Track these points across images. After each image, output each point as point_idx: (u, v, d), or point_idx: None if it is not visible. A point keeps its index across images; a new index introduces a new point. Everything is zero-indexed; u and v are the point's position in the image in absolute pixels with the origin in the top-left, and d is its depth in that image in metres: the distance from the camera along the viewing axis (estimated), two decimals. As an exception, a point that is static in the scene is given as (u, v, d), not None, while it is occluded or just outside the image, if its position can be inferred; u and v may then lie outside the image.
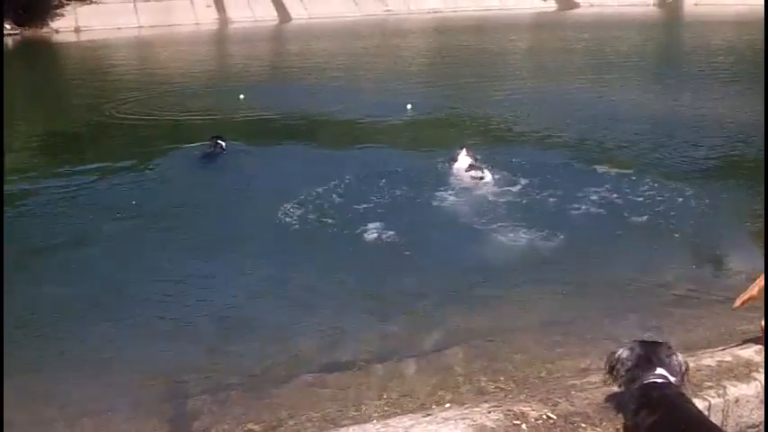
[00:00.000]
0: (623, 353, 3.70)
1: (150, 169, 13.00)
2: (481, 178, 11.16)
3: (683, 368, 3.67)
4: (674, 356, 3.69)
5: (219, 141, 13.43)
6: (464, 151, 11.70)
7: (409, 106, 16.71)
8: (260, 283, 8.14)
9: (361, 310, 7.42)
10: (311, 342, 6.79)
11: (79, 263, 8.81)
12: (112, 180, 12.38)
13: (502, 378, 5.81)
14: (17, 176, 12.17)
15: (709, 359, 4.66)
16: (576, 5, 56.55)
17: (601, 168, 12.02)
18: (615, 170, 11.78)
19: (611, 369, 3.72)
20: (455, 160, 11.66)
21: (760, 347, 4.77)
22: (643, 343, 3.79)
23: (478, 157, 11.81)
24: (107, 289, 8.03)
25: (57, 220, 10.36)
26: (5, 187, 10.82)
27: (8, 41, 42.55)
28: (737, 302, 4.97)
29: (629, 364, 3.63)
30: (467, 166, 11.38)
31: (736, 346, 5.09)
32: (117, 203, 11.08)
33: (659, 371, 3.56)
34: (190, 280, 8.25)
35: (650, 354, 3.64)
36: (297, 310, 7.43)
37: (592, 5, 55.49)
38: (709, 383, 4.29)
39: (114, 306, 7.63)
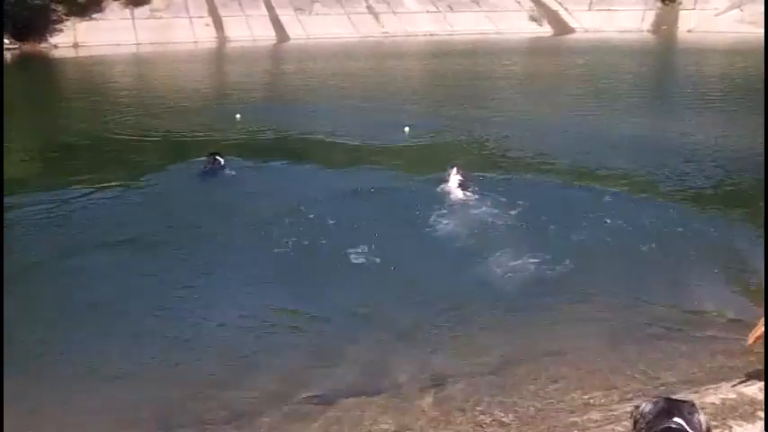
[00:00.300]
0: (646, 407, 3.70)
1: (145, 186, 13.03)
2: (471, 196, 11.38)
3: (704, 427, 3.64)
4: (696, 414, 3.67)
5: (218, 158, 13.52)
6: (455, 170, 11.91)
7: (407, 129, 16.74)
8: (250, 309, 8.03)
9: (355, 340, 7.33)
10: (304, 372, 6.73)
11: (70, 281, 8.80)
12: (109, 196, 12.41)
13: (501, 412, 5.75)
14: (13, 190, 12.06)
15: (712, 396, 4.65)
16: (572, 31, 57.02)
17: (593, 193, 12.06)
18: (608, 196, 11.80)
19: (635, 423, 3.72)
20: (447, 179, 11.88)
21: (762, 385, 4.76)
22: (668, 399, 3.80)
23: (469, 176, 12.03)
24: (98, 311, 7.98)
25: (49, 237, 10.36)
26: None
27: (7, 56, 42.51)
28: (750, 340, 5.00)
29: (650, 416, 3.63)
30: (457, 184, 11.63)
31: (740, 382, 5.07)
32: (113, 220, 11.13)
33: (677, 420, 3.55)
34: (181, 303, 8.21)
35: (672, 408, 3.64)
36: (288, 337, 7.41)
37: (587, 31, 55.96)
38: (714, 422, 4.26)
39: (104, 330, 7.57)
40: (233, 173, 13.57)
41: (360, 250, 9.31)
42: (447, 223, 10.44)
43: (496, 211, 10.89)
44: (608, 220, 10.41)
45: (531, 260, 8.92)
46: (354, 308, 7.95)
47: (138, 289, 8.50)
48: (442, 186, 11.94)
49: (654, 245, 9.38)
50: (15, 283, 8.13)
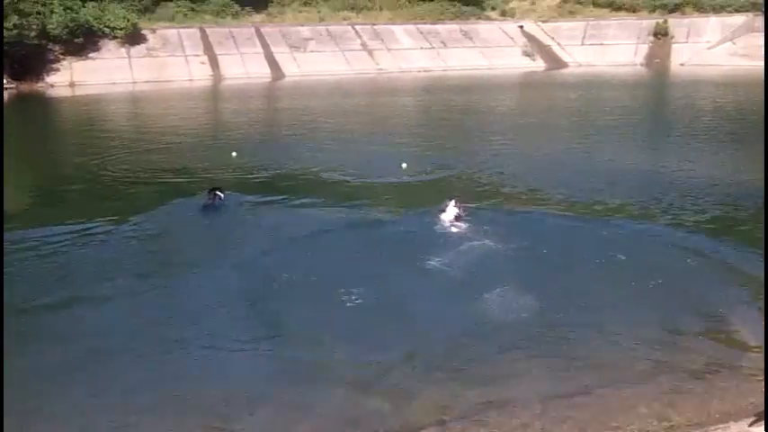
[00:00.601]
0: None
1: (142, 223, 12.91)
2: (468, 228, 11.54)
3: None
4: None
5: (218, 193, 13.64)
6: (453, 202, 12.07)
7: (404, 165, 16.76)
8: (247, 353, 7.94)
9: (346, 385, 7.14)
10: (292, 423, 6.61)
11: (65, 323, 8.69)
12: (107, 233, 12.34)
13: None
14: (9, 227, 12.10)
15: (722, 437, 4.54)
16: (565, 65, 57.63)
17: (589, 226, 12.06)
18: (605, 230, 11.79)
19: None
20: (444, 211, 12.03)
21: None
22: None
23: (466, 207, 12.16)
24: (94, 354, 7.85)
25: (43, 276, 10.24)
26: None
27: (4, 95, 42.76)
28: None
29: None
30: (454, 216, 11.79)
31: (752, 423, 4.96)
32: (112, 257, 11.02)
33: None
34: (178, 343, 8.10)
35: None
36: (279, 382, 7.27)
37: (580, 65, 56.56)
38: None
39: (101, 374, 7.45)
40: (235, 206, 13.71)
41: (355, 289, 9.25)
42: (444, 257, 10.41)
43: (493, 243, 10.92)
44: (605, 254, 10.43)
45: (529, 296, 8.85)
46: (346, 354, 7.76)
47: (138, 329, 8.37)
48: (439, 218, 12.03)
49: (655, 279, 9.32)
50: (9, 323, 8.00)
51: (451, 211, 11.92)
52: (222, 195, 13.63)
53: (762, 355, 5.70)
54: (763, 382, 4.20)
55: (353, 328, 8.29)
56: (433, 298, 9.26)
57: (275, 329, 8.39)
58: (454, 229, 11.66)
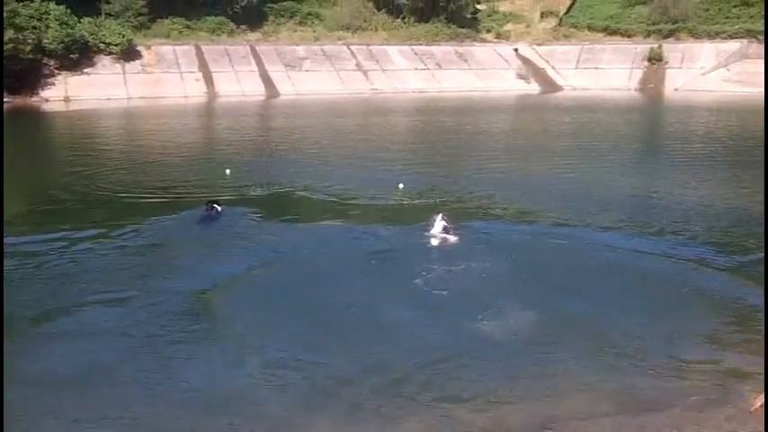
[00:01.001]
0: None
1: (135, 237, 12.92)
2: (455, 241, 12.05)
3: None
4: None
5: (216, 206, 14.08)
6: (440, 216, 12.56)
7: (401, 185, 16.75)
8: (245, 366, 7.83)
9: (334, 405, 7.03)
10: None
11: (63, 339, 8.54)
12: (101, 246, 12.30)
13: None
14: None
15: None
16: (559, 88, 57.99)
17: (575, 246, 12.02)
18: (592, 250, 11.76)
19: None
20: (432, 225, 12.50)
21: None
22: None
23: (453, 222, 12.56)
24: (93, 370, 7.70)
25: (34, 286, 10.16)
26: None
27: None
28: (756, 404, 4.92)
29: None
30: (441, 229, 12.28)
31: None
32: (109, 270, 10.96)
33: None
34: (174, 363, 7.95)
35: None
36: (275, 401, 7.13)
37: (574, 89, 56.91)
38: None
39: (98, 393, 7.27)
40: (230, 219, 13.95)
41: (344, 301, 9.39)
42: (431, 273, 10.57)
43: (480, 256, 11.18)
44: (593, 273, 10.50)
45: (519, 314, 8.88)
46: (338, 371, 7.66)
47: (137, 344, 8.22)
48: (427, 232, 12.45)
49: (645, 301, 9.26)
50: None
51: (439, 224, 12.37)
52: (219, 208, 14.05)
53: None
54: (763, 383, 4.15)
55: (346, 347, 8.17)
56: (419, 315, 9.20)
57: (266, 345, 8.31)
58: (442, 243, 12.08)
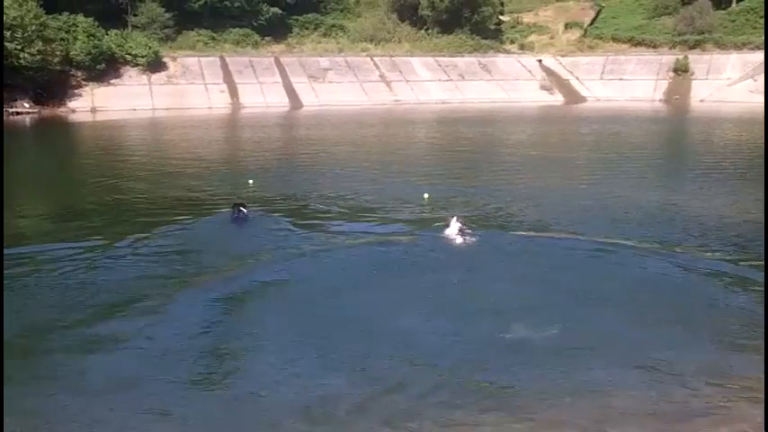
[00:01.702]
0: None
1: (162, 242, 13.05)
2: (470, 241, 12.52)
3: None
4: None
5: (242, 209, 14.57)
6: (455, 218, 13.15)
7: (426, 195, 16.70)
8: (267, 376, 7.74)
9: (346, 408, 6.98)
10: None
11: (89, 344, 8.55)
12: (122, 252, 12.31)
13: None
14: (30, 247, 12.30)
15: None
16: (583, 100, 57.67)
17: (596, 258, 11.84)
18: (613, 261, 11.58)
19: None
20: (448, 226, 13.05)
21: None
22: None
23: (468, 225, 13.09)
24: (114, 381, 7.70)
25: (73, 291, 10.24)
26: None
27: (26, 120, 43.52)
28: None
29: None
30: (457, 230, 12.81)
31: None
32: (128, 276, 10.96)
33: None
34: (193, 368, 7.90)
35: None
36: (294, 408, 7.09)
37: (598, 100, 56.57)
38: None
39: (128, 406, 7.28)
40: (256, 221, 14.47)
41: (360, 305, 9.55)
42: (447, 275, 10.85)
43: (494, 258, 11.54)
44: (611, 282, 10.36)
45: (526, 319, 8.81)
46: (353, 385, 7.57)
47: (149, 366, 8.18)
48: (444, 233, 12.93)
49: (665, 316, 9.08)
50: (28, 342, 8.06)
51: (454, 226, 12.89)
52: (245, 210, 14.55)
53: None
54: (764, 383, 4.03)
55: (360, 353, 8.12)
56: (434, 318, 9.22)
57: (288, 346, 8.32)
58: (457, 241, 12.58)
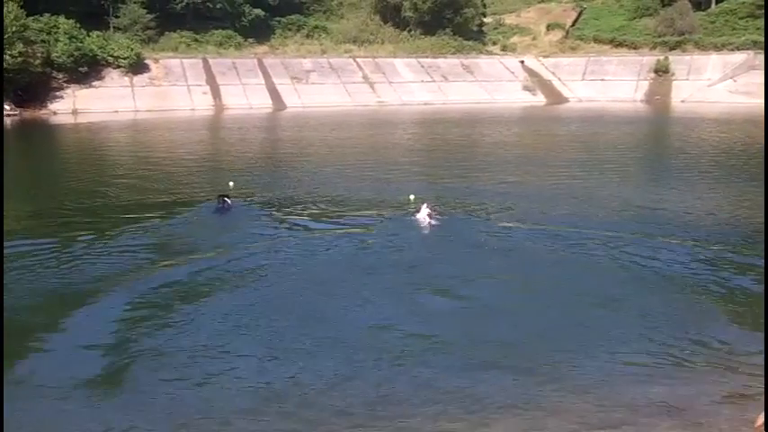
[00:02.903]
0: None
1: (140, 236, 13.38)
2: (438, 224, 13.90)
3: None
4: None
5: (226, 200, 15.42)
6: (425, 205, 14.45)
7: (412, 197, 16.73)
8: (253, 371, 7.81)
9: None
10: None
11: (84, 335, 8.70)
12: (103, 251, 12.38)
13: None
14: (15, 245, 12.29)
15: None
16: (565, 100, 58.00)
17: (577, 257, 11.92)
18: (597, 258, 11.69)
19: None
20: (418, 211, 14.42)
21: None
22: None
23: (437, 209, 14.53)
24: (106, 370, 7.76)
25: (53, 285, 10.50)
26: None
27: (7, 122, 43.08)
28: (758, 423, 4.90)
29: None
30: (427, 215, 14.18)
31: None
32: (109, 272, 11.07)
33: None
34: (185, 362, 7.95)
35: None
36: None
37: (580, 101, 56.92)
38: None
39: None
40: (240, 211, 15.49)
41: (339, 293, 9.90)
42: (419, 255, 12.04)
43: (492, 262, 11.67)
44: (595, 280, 10.57)
45: (534, 320, 8.95)
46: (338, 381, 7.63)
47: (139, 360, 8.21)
48: (414, 217, 14.31)
49: (644, 313, 9.18)
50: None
51: (424, 211, 14.20)
52: (229, 201, 15.46)
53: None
54: (764, 383, 4.12)
55: (344, 346, 8.17)
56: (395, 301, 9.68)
57: (273, 341, 8.44)
58: (427, 224, 13.94)
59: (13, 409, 6.51)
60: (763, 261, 11.02)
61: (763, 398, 4.92)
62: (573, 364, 7.75)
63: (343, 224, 14.64)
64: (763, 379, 6.44)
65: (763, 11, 50.74)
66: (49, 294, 10.17)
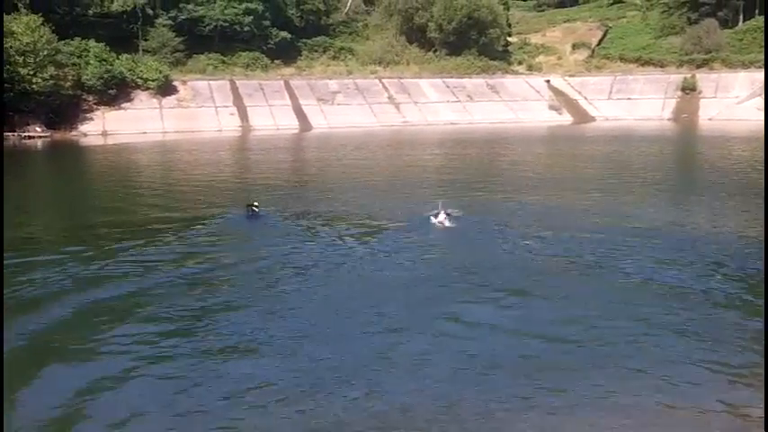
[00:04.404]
0: None
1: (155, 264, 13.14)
2: (456, 225, 14.70)
3: None
4: None
5: (255, 208, 16.62)
6: (441, 204, 15.43)
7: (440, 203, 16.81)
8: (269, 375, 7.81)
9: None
10: None
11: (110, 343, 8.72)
12: (129, 269, 12.40)
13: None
14: (47, 266, 12.29)
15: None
16: (591, 119, 57.70)
17: (598, 276, 11.77)
18: (621, 280, 11.50)
19: None
20: (436, 211, 15.23)
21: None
22: None
23: (454, 211, 15.43)
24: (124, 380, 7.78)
25: (79, 295, 10.58)
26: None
27: (38, 143, 44.01)
28: None
29: None
30: (443, 216, 14.96)
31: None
32: (129, 296, 11.07)
33: None
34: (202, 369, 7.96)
35: None
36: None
37: (607, 119, 56.60)
38: None
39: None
40: (269, 217, 16.64)
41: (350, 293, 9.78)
42: (438, 254, 12.84)
43: (513, 280, 11.40)
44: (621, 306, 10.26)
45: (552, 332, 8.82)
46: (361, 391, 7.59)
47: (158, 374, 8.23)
48: (432, 219, 15.11)
49: (665, 338, 9.03)
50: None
51: (442, 214, 15.01)
52: (257, 209, 16.63)
53: None
54: (764, 383, 4.02)
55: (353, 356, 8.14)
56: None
57: (293, 346, 8.53)
58: (445, 225, 14.75)
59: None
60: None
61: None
62: (608, 384, 7.62)
63: (368, 233, 14.92)
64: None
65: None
66: (91, 307, 10.25)
